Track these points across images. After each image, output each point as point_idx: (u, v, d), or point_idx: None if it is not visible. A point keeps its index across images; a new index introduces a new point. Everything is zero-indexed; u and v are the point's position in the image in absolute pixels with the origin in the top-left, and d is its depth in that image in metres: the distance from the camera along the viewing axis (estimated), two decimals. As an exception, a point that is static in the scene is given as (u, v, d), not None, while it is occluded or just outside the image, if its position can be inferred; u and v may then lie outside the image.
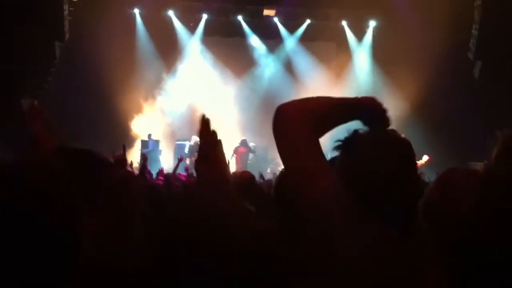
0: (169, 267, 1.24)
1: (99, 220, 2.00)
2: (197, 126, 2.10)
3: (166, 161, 15.44)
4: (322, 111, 1.71)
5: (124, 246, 1.97)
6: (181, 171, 9.35)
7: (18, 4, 11.84)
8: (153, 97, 16.89)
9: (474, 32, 14.81)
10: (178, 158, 10.05)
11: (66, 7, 14.18)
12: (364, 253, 1.41)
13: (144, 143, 15.91)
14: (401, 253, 1.43)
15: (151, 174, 8.78)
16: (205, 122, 1.99)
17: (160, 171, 9.30)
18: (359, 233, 1.45)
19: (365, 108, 1.88)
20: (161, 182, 7.35)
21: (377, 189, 1.51)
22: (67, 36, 14.53)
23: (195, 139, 15.03)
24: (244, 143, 16.21)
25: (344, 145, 1.67)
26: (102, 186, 1.92)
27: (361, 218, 1.47)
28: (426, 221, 1.40)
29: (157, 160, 15.17)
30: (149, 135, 15.99)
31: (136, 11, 16.86)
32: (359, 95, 1.83)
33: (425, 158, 13.54)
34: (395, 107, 16.12)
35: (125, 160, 3.67)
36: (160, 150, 16.38)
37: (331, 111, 1.75)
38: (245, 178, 3.18)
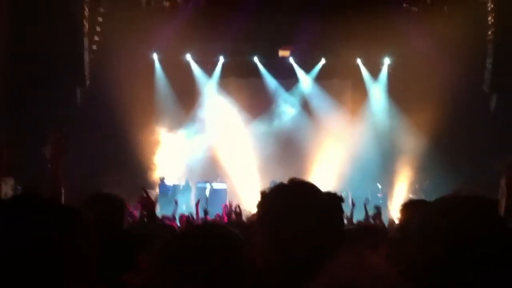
0: None
1: None
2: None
3: (184, 203, 15.43)
4: None
5: None
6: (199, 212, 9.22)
7: (41, 50, 12.23)
8: (173, 139, 17.11)
9: (488, 65, 14.85)
10: (195, 204, 9.86)
11: (86, 54, 14.58)
12: None
13: (163, 187, 15.95)
14: None
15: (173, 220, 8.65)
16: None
17: (183, 217, 9.13)
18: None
19: None
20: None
21: None
22: (87, 82, 14.88)
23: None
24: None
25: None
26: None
27: None
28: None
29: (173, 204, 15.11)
30: (162, 179, 16.09)
31: (155, 55, 17.30)
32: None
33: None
34: (413, 143, 16.18)
35: (151, 203, 3.71)
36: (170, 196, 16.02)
37: None
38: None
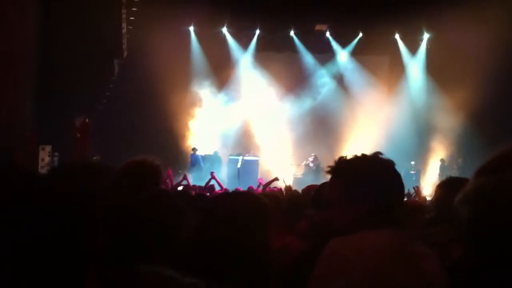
0: None
1: None
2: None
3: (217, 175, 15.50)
4: None
5: None
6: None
7: (80, 23, 12.36)
8: (207, 112, 17.21)
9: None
10: (211, 175, 9.70)
11: (124, 25, 14.67)
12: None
13: (194, 157, 16.14)
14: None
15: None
16: None
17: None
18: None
19: None
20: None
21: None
22: (125, 53, 15.02)
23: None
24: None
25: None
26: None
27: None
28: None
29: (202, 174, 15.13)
30: (194, 149, 16.24)
31: (191, 28, 17.32)
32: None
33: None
34: (450, 121, 15.89)
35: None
36: (202, 167, 16.01)
37: None
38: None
